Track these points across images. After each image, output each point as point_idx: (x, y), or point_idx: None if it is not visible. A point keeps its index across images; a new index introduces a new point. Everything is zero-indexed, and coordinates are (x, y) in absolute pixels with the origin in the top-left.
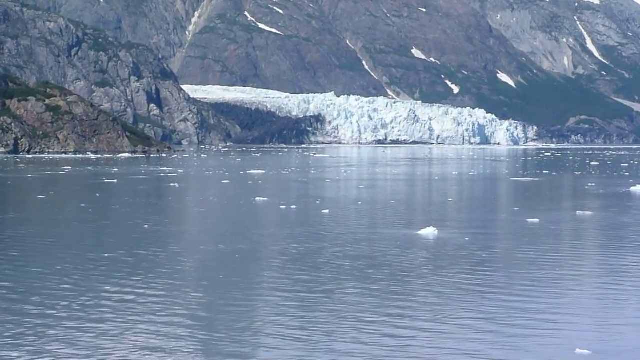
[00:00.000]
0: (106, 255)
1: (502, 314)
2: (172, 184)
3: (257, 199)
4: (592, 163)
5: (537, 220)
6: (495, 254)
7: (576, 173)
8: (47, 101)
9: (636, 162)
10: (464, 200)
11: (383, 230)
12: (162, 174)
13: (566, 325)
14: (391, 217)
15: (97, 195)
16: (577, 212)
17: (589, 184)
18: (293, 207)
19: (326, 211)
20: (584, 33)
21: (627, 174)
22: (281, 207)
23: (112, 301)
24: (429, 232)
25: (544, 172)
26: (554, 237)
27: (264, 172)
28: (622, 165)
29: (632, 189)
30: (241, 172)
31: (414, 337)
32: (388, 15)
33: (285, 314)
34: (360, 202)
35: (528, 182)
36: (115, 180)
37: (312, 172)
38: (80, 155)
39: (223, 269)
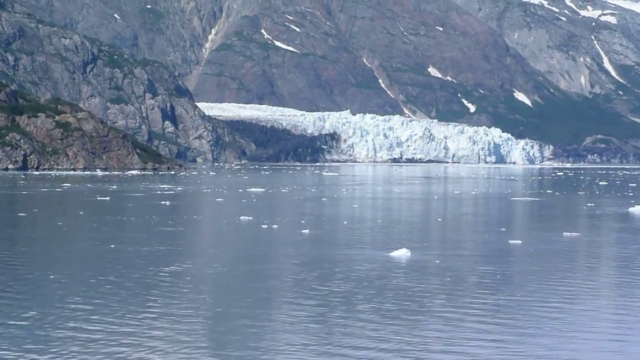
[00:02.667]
0: (51, 276)
1: (443, 339)
2: (163, 202)
3: (242, 218)
4: (601, 183)
5: (519, 241)
6: (461, 276)
7: (580, 193)
8: (56, 117)
9: None
10: (453, 220)
11: (354, 252)
12: (159, 192)
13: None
14: (370, 237)
15: (81, 213)
16: (564, 233)
17: (589, 204)
18: (274, 226)
19: (306, 231)
20: (601, 52)
21: (631, 194)
22: (262, 226)
23: (26, 326)
24: (401, 253)
25: (548, 191)
26: (529, 259)
27: (263, 190)
28: (630, 185)
29: (631, 209)
30: (240, 190)
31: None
32: (405, 33)
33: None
34: (345, 222)
35: (527, 202)
36: (107, 198)
37: (313, 190)
38: (89, 172)
39: (166, 291)
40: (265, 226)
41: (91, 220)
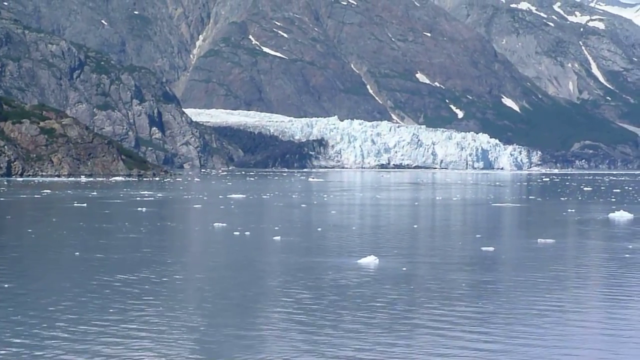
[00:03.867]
0: (5, 285)
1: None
2: (139, 209)
3: (216, 224)
4: (585, 188)
5: (491, 248)
6: (425, 284)
7: (562, 199)
8: (41, 124)
9: (629, 188)
10: (429, 227)
11: (321, 259)
12: (138, 198)
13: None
14: (341, 244)
15: (54, 220)
16: (539, 239)
17: (569, 210)
18: (247, 233)
19: (277, 238)
20: (589, 58)
21: (614, 199)
22: (234, 233)
23: None
24: (369, 261)
25: (531, 197)
26: (499, 266)
27: (244, 196)
28: (615, 190)
29: (611, 215)
30: (220, 196)
31: None
32: (393, 39)
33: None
34: (320, 229)
35: (508, 208)
36: (84, 205)
37: (294, 196)
38: (73, 179)
39: (124, 299)
40: (238, 233)
41: (62, 227)
